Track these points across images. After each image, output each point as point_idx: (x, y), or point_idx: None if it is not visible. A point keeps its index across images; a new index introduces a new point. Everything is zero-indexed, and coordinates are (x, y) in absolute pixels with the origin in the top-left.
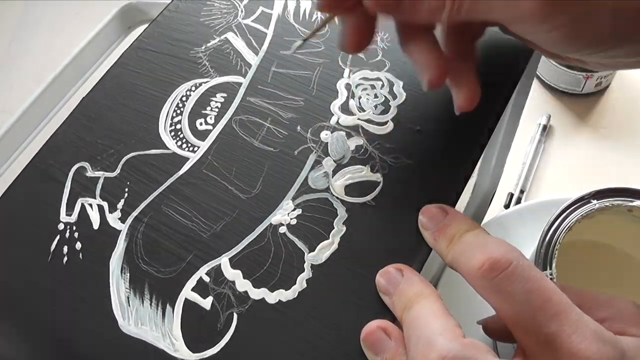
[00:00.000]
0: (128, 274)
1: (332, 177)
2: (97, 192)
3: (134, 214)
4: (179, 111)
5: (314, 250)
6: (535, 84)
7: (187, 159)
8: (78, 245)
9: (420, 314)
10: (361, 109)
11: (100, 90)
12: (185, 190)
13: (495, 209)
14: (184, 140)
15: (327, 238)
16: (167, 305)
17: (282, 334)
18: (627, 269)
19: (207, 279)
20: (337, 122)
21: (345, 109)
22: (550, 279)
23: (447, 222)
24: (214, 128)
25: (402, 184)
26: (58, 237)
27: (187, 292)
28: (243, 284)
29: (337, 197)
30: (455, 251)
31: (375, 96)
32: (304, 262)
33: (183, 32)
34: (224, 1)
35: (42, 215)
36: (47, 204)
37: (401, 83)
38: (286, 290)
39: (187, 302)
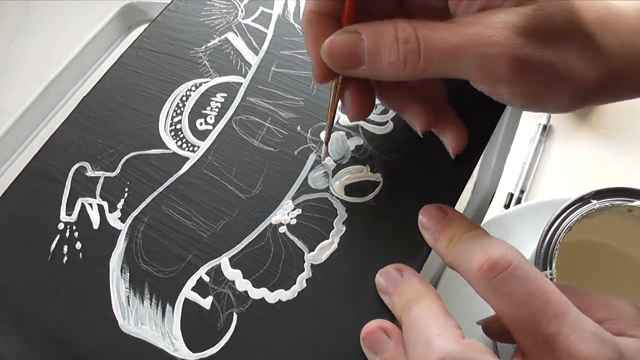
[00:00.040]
0: (128, 274)
1: (332, 177)
2: (97, 191)
3: (134, 213)
4: (179, 111)
5: (313, 250)
6: None
7: (187, 158)
8: (78, 245)
9: (419, 314)
10: None
11: (101, 90)
12: (185, 190)
13: (495, 209)
14: (184, 140)
15: (327, 238)
16: (167, 304)
17: (282, 333)
18: (627, 269)
19: (207, 278)
20: (337, 122)
21: None
22: (550, 279)
23: (447, 223)
24: (214, 128)
25: (402, 184)
26: (58, 236)
27: (187, 292)
28: (243, 284)
29: (337, 197)
30: (455, 251)
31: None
32: (304, 261)
33: (183, 32)
34: (224, 1)
35: (42, 215)
36: (47, 203)
37: None
38: (286, 290)
39: (187, 302)
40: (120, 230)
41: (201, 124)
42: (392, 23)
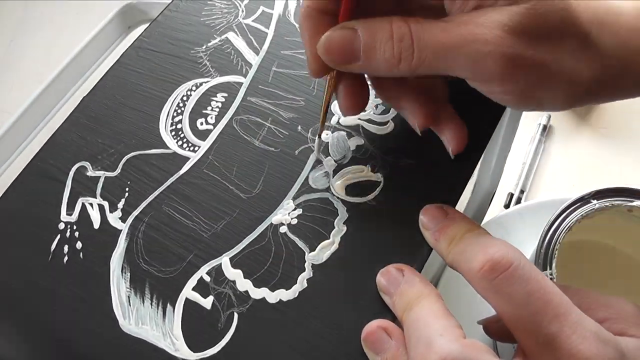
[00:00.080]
0: (129, 274)
1: (333, 176)
2: (98, 191)
3: (135, 213)
4: (179, 111)
5: (314, 250)
6: None
7: (187, 158)
8: (78, 245)
9: (420, 314)
10: None
11: (101, 90)
12: (185, 190)
13: (495, 209)
14: (185, 140)
15: (328, 238)
16: (168, 304)
17: (283, 333)
18: (627, 269)
19: (207, 278)
20: (338, 122)
21: None
22: (550, 279)
23: (448, 223)
24: (214, 128)
25: (403, 184)
26: (58, 236)
27: (188, 292)
28: (244, 284)
29: (338, 197)
30: (456, 251)
31: (376, 96)
32: (305, 261)
33: (184, 31)
34: (225, 1)
35: (43, 215)
36: (48, 203)
37: None
38: (287, 289)
39: (188, 302)
40: (121, 230)
41: (202, 123)
42: (388, 20)
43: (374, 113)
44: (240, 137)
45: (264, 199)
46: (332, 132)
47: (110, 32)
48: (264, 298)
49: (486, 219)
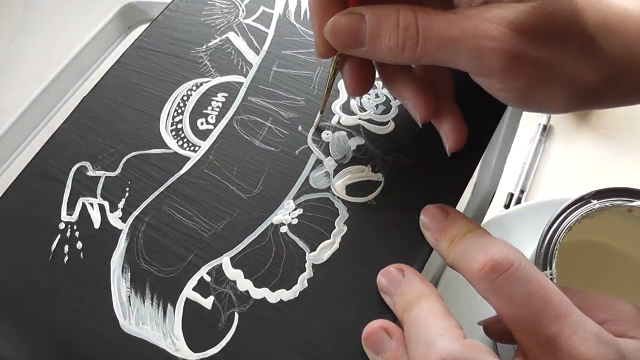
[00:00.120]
0: (129, 274)
1: (333, 176)
2: (98, 191)
3: (135, 213)
4: (180, 111)
5: (315, 250)
6: None
7: (188, 158)
8: (79, 245)
9: (421, 314)
10: (362, 109)
11: (101, 90)
12: (186, 190)
13: (495, 209)
14: (185, 140)
15: (329, 238)
16: (168, 304)
17: (283, 333)
18: (627, 269)
19: (208, 278)
20: (339, 122)
21: (346, 108)
22: (550, 279)
23: (449, 223)
24: (215, 127)
25: (403, 184)
26: (59, 236)
27: (189, 292)
28: (244, 284)
29: (338, 197)
30: (456, 252)
31: (377, 96)
32: (305, 261)
33: (184, 31)
34: (225, 1)
35: (43, 215)
36: (48, 203)
37: None
38: (287, 289)
39: (188, 302)
40: (121, 230)
41: (202, 123)
42: (395, 9)
43: (374, 113)
44: (241, 137)
45: (264, 199)
46: (333, 132)
47: (110, 32)
48: (264, 298)
49: (486, 219)
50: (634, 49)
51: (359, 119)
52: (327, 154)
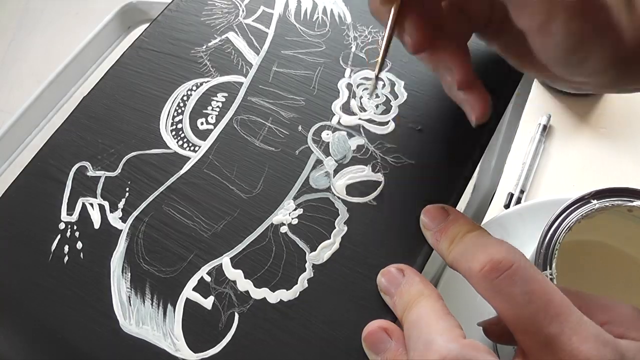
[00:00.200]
0: (129, 274)
1: (334, 176)
2: (98, 191)
3: (135, 213)
4: (180, 111)
5: (315, 250)
6: (535, 84)
7: (188, 158)
8: (79, 245)
9: (420, 314)
10: (362, 109)
11: (101, 90)
12: (186, 190)
13: (495, 209)
14: (185, 140)
15: (329, 238)
16: (169, 304)
17: (284, 333)
18: (627, 269)
19: (208, 278)
20: (339, 122)
21: (346, 108)
22: (550, 279)
23: (449, 223)
24: (215, 127)
25: (404, 184)
26: (59, 236)
27: (189, 292)
28: (244, 284)
29: (339, 197)
30: (456, 252)
31: (377, 96)
32: (306, 261)
33: (184, 31)
34: (225, 1)
35: (43, 215)
36: (48, 203)
37: (402, 83)
38: (287, 290)
39: (189, 302)
40: (121, 230)
41: (202, 123)
42: None
43: (374, 113)
44: (241, 137)
45: (264, 199)
46: (333, 132)
47: (110, 32)
48: (264, 298)
49: (486, 219)
50: None
51: (359, 119)
52: (327, 154)
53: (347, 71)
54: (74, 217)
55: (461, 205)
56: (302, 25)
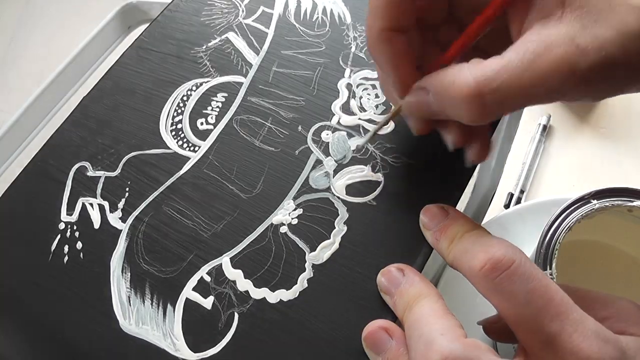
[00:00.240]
0: (129, 274)
1: (333, 176)
2: (98, 191)
3: (135, 213)
4: (179, 111)
5: (315, 250)
6: None
7: (187, 158)
8: (79, 245)
9: (421, 314)
10: (362, 109)
11: (101, 90)
12: (186, 190)
13: (495, 209)
14: (185, 140)
15: (328, 238)
16: (168, 304)
17: (283, 333)
18: (627, 269)
19: (208, 278)
20: (338, 122)
21: (346, 108)
22: (550, 278)
23: (449, 222)
24: (214, 128)
25: (403, 184)
26: (59, 236)
27: (188, 292)
28: (244, 284)
29: (338, 197)
30: (456, 251)
31: (376, 96)
32: (305, 261)
33: (184, 31)
34: (225, 1)
35: (43, 215)
36: (48, 203)
37: None
38: (287, 289)
39: (188, 302)
40: (121, 230)
41: (202, 123)
42: (454, 81)
43: (374, 113)
44: (241, 137)
45: (264, 199)
46: (333, 132)
47: (110, 32)
48: (264, 298)
49: (486, 219)
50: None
51: (359, 119)
52: (327, 154)
53: (347, 71)
54: (74, 217)
55: (461, 205)
56: (302, 26)
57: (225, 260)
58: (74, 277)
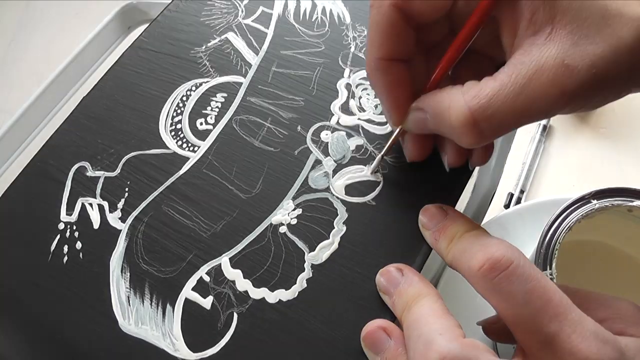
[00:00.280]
0: (128, 274)
1: (333, 176)
2: (98, 191)
3: (135, 213)
4: (179, 111)
5: (314, 250)
6: None
7: (187, 158)
8: (78, 245)
9: (420, 314)
10: (361, 109)
11: (101, 90)
12: (185, 190)
13: (495, 209)
14: (185, 140)
15: (328, 238)
16: (168, 304)
17: (282, 333)
18: (627, 269)
19: (207, 278)
20: (338, 122)
21: (345, 108)
22: (550, 279)
23: (448, 222)
24: (214, 128)
25: (402, 184)
26: (58, 236)
27: (188, 292)
28: (243, 284)
29: (338, 197)
30: (455, 251)
31: (376, 96)
32: (304, 261)
33: (183, 32)
34: (225, 1)
35: (42, 215)
36: (47, 203)
37: None
38: (286, 289)
39: (188, 302)
40: (121, 230)
41: (201, 123)
42: (450, 106)
43: (373, 113)
44: (240, 137)
45: (263, 199)
46: (332, 132)
47: (110, 32)
48: (263, 298)
49: (486, 219)
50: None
51: (358, 119)
52: (326, 154)
53: (346, 71)
54: (74, 217)
55: (461, 205)
56: (301, 26)
57: (224, 260)
58: (73, 277)
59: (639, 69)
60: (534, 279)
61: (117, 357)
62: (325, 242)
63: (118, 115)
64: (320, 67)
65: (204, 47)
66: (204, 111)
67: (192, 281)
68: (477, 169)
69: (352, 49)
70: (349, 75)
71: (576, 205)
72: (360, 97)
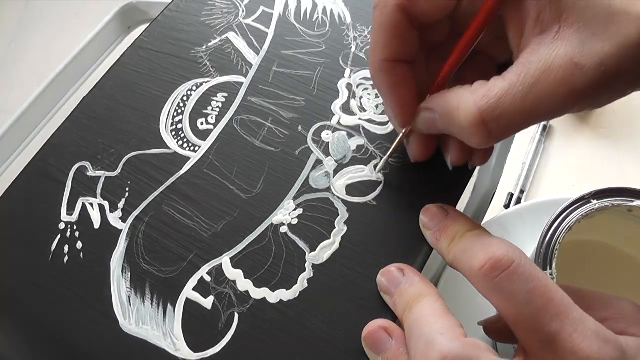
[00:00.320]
0: (129, 274)
1: (333, 176)
2: (98, 191)
3: (135, 213)
4: (180, 111)
5: (315, 250)
6: None
7: (188, 158)
8: (79, 245)
9: (421, 314)
10: (362, 109)
11: (101, 90)
12: (186, 190)
13: (495, 209)
14: (185, 140)
15: (329, 238)
16: (168, 304)
17: (283, 333)
18: (627, 269)
19: (208, 278)
20: (339, 122)
21: (346, 108)
22: (550, 279)
23: (449, 222)
24: (215, 128)
25: (403, 184)
26: (59, 236)
27: (189, 292)
28: (244, 284)
29: (338, 197)
30: (456, 251)
31: (376, 96)
32: (305, 261)
33: (184, 31)
34: (225, 1)
35: (43, 215)
36: (48, 203)
37: None
38: (287, 289)
39: (189, 302)
40: (121, 230)
41: (202, 123)
42: (459, 106)
43: (374, 113)
44: (241, 137)
45: (264, 199)
46: (333, 132)
47: (110, 32)
48: (264, 298)
49: (486, 219)
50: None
51: (359, 119)
52: (327, 154)
53: (347, 71)
54: (74, 217)
55: (461, 205)
56: (302, 26)
57: (225, 260)
58: (74, 277)
59: None
60: (536, 278)
61: (118, 357)
62: (326, 242)
63: (119, 115)
64: (321, 67)
65: (204, 47)
66: (204, 111)
67: (193, 281)
68: (477, 169)
69: (353, 49)
70: (350, 75)
71: (576, 205)
72: (361, 97)
